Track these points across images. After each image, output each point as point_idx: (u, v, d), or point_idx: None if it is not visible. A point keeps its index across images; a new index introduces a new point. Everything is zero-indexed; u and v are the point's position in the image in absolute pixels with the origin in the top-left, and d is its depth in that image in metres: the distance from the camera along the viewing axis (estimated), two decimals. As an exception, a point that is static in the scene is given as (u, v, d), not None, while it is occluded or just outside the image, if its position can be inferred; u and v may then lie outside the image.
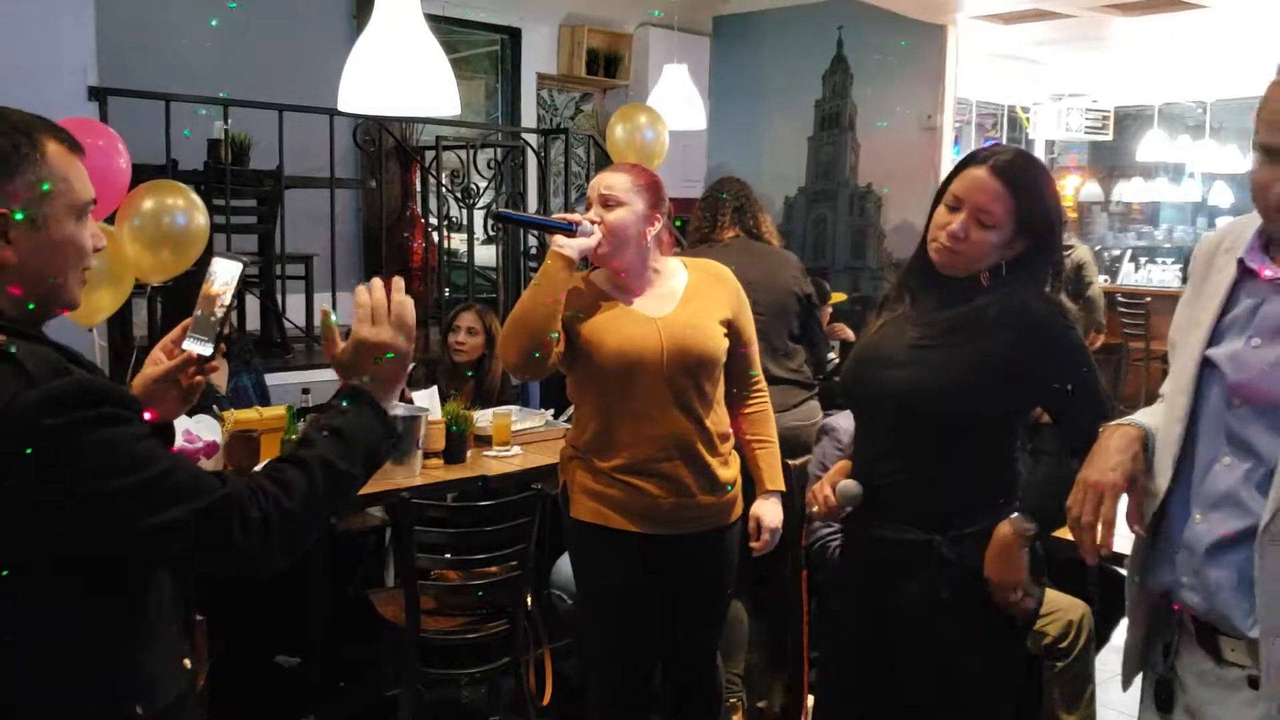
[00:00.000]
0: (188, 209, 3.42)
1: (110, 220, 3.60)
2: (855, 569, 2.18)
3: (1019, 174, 1.96)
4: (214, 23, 5.13)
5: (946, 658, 2.02)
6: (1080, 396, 1.97)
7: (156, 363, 1.41)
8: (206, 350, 1.38)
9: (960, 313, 1.99)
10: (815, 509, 2.16)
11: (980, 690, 2.03)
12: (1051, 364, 1.96)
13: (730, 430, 2.58)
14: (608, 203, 2.42)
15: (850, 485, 2.08)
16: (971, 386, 1.96)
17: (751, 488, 2.64)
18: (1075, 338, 2.01)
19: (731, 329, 2.54)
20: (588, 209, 2.47)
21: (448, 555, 2.99)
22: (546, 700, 3.46)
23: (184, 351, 1.39)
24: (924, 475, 2.02)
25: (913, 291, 2.11)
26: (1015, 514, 1.97)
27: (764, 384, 2.67)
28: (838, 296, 5.43)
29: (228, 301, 1.39)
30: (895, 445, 2.06)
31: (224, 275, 1.41)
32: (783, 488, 2.65)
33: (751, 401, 2.65)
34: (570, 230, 2.38)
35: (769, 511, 2.59)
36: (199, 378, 1.40)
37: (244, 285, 1.41)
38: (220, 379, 3.78)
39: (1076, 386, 1.97)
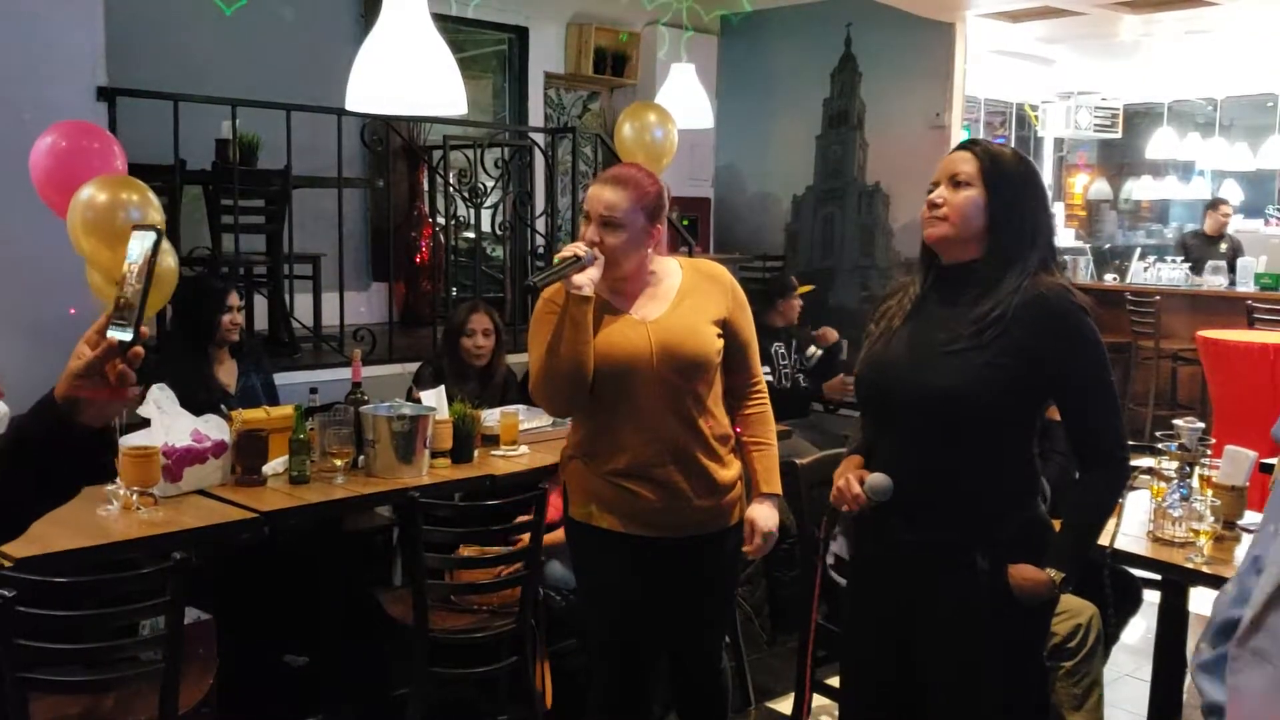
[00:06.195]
0: (142, 204, 3.32)
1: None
2: (878, 571, 2.18)
3: (980, 142, 2.19)
4: (228, 10, 5.12)
5: (974, 659, 2.05)
6: (1095, 392, 2.02)
7: (80, 356, 1.20)
8: (126, 335, 1.20)
9: (984, 311, 2.01)
10: (845, 507, 2.14)
11: (1001, 695, 2.07)
12: (1069, 356, 2.00)
13: (730, 432, 2.55)
14: (607, 223, 2.40)
15: (881, 479, 2.07)
16: (1004, 385, 1.99)
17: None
18: (1092, 331, 2.03)
19: (727, 329, 2.51)
20: (586, 223, 2.44)
21: (455, 554, 2.99)
22: (552, 699, 3.45)
23: (107, 340, 1.20)
24: (956, 476, 2.04)
25: (922, 286, 2.15)
26: (1051, 569, 2.01)
27: (763, 384, 2.63)
28: (804, 287, 5.49)
29: (139, 276, 1.23)
30: (925, 448, 2.06)
31: (137, 249, 1.24)
32: (778, 491, 2.59)
33: (750, 403, 2.61)
34: (580, 264, 2.34)
35: (763, 515, 2.53)
36: (122, 366, 1.19)
37: (158, 254, 1.22)
38: (229, 378, 3.78)
39: (1091, 381, 2.02)
